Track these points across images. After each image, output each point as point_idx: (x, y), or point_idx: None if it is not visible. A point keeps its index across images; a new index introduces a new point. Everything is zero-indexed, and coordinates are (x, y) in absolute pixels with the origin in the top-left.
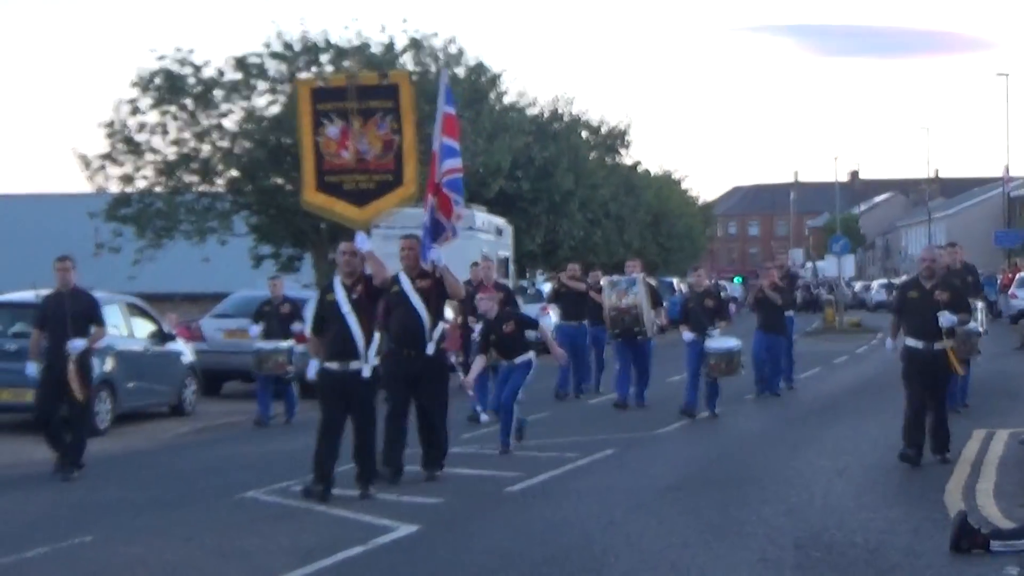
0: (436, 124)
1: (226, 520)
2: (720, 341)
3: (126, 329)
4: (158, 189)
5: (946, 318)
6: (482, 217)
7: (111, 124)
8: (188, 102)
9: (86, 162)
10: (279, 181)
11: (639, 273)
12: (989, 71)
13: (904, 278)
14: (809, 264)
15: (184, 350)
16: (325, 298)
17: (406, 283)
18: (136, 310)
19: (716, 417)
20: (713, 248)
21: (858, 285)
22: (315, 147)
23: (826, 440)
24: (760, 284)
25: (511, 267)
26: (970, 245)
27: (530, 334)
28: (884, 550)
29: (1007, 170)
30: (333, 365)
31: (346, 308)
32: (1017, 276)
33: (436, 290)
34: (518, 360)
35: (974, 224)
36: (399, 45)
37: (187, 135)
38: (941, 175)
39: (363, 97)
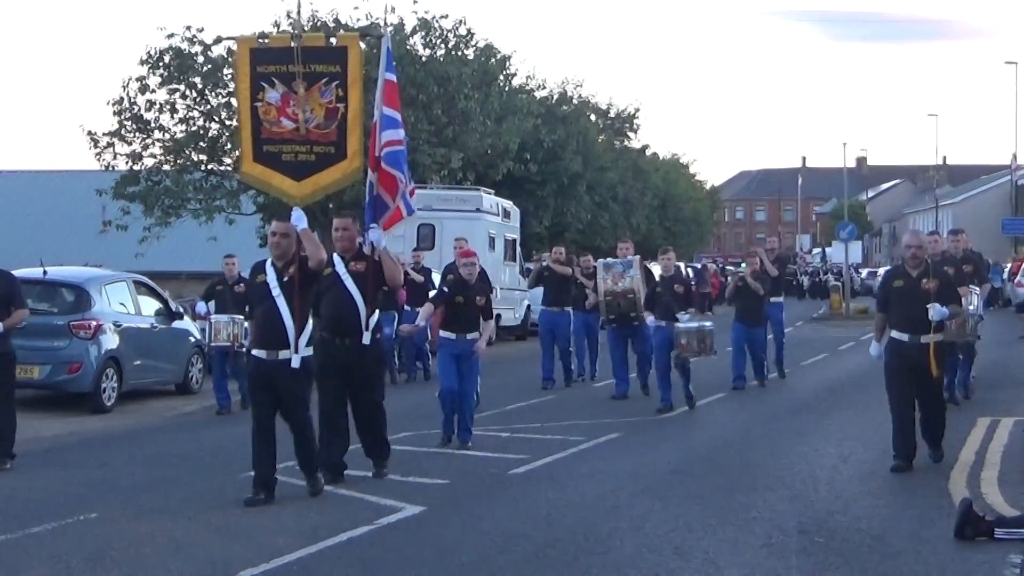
0: (377, 92)
1: (231, 499)
2: (691, 319)
3: (132, 307)
4: (166, 167)
5: (937, 310)
6: (489, 199)
7: (120, 102)
8: (197, 81)
9: (94, 139)
10: None
11: (634, 256)
12: (997, 59)
13: (887, 266)
14: (817, 250)
15: (191, 328)
16: (255, 279)
17: (340, 266)
18: (143, 288)
19: (693, 410)
20: (720, 233)
21: (865, 272)
22: (253, 113)
23: (831, 426)
24: (741, 273)
25: (519, 249)
26: (977, 233)
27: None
28: (888, 536)
29: (1015, 158)
30: (260, 353)
31: (277, 291)
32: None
33: (373, 274)
34: (470, 336)
35: (982, 212)
36: (408, 26)
37: (196, 114)
38: (949, 162)
39: (308, 60)
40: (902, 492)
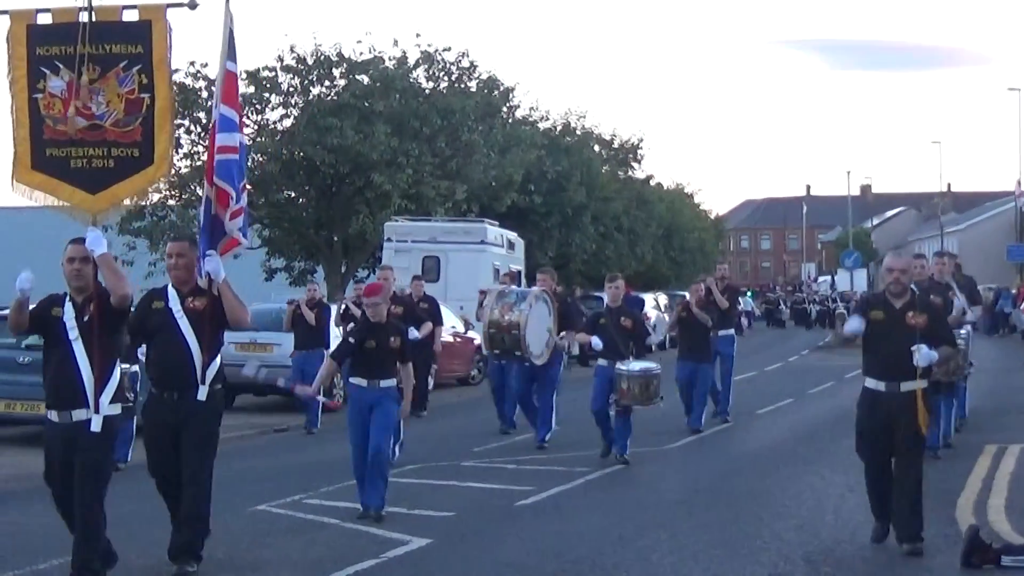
0: (216, 89)
1: (237, 533)
2: (634, 362)
3: None
4: (171, 202)
5: (924, 354)
6: (494, 231)
7: None
8: (201, 116)
9: None
10: (291, 195)
11: (541, 288)
12: (1001, 86)
13: (864, 293)
14: (825, 278)
15: None
16: (50, 314)
17: (175, 302)
18: None
19: (627, 464)
20: (725, 262)
21: None
22: (32, 108)
23: (837, 454)
24: (685, 302)
25: (523, 280)
26: (983, 259)
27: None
28: (895, 566)
29: (1019, 184)
30: (52, 415)
31: (74, 334)
32: None
33: (212, 313)
34: (384, 384)
35: (987, 238)
36: (412, 59)
37: (200, 149)
38: (953, 189)
39: (101, 38)
40: None
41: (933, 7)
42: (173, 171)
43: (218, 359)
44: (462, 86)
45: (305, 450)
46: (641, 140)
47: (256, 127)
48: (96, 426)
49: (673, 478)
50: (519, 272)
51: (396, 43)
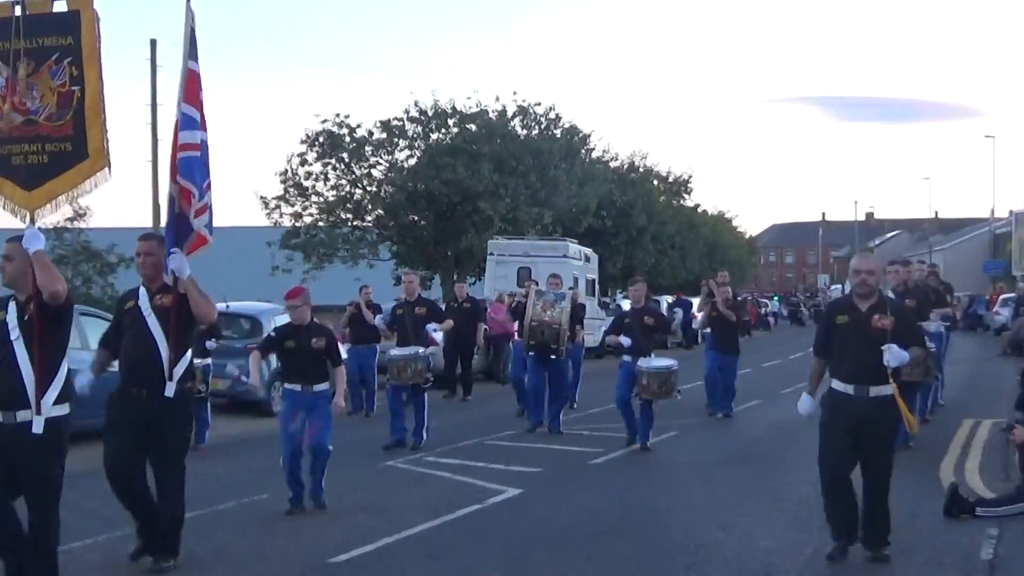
0: (179, 88)
1: (371, 483)
2: (654, 360)
3: None
4: (321, 224)
5: (894, 354)
6: (574, 247)
7: (285, 173)
8: (344, 155)
9: (265, 203)
10: (415, 218)
11: (566, 290)
12: (979, 133)
13: (832, 293)
14: (837, 286)
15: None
16: None
17: (144, 300)
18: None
19: (649, 450)
20: (756, 274)
21: None
22: None
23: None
24: (714, 301)
25: (596, 287)
26: (965, 272)
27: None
28: (891, 512)
29: (993, 212)
30: None
31: (16, 333)
32: (1000, 297)
33: (179, 310)
34: (317, 388)
35: (967, 256)
36: (510, 111)
37: (344, 182)
38: (941, 215)
39: (34, 32)
40: (902, 479)
41: (925, 70)
42: (322, 199)
43: (187, 356)
44: (549, 133)
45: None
46: (691, 176)
47: (387, 165)
48: (38, 427)
49: (713, 444)
50: (593, 280)
51: (497, 99)
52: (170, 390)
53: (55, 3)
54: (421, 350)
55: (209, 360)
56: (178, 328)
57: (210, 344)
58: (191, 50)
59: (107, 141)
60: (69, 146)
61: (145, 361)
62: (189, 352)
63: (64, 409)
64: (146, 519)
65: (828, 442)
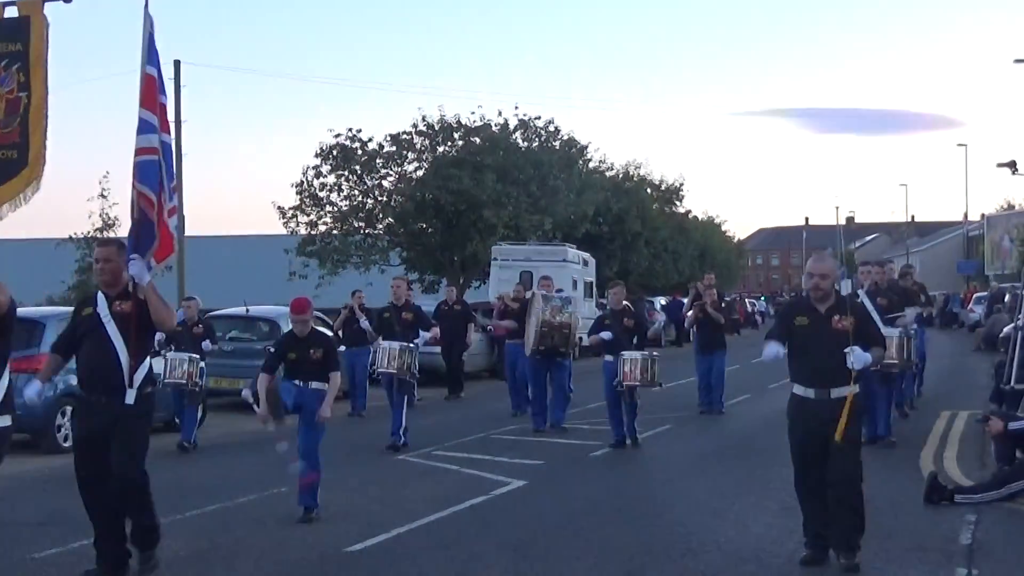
0: (138, 93)
1: (385, 476)
2: (635, 352)
3: None
4: (335, 232)
5: (858, 355)
6: (573, 252)
7: (301, 184)
8: (357, 168)
9: (282, 212)
10: (423, 226)
11: (569, 294)
12: (952, 142)
13: (789, 299)
14: None
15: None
16: None
17: (103, 306)
18: (317, 320)
19: (639, 446)
20: (745, 275)
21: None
22: None
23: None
24: (702, 303)
25: (594, 289)
26: (940, 273)
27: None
28: (874, 499)
29: (966, 216)
30: None
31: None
32: (974, 295)
33: (139, 316)
34: (315, 386)
35: (942, 257)
36: (512, 125)
37: (356, 192)
38: (917, 219)
39: None
40: (884, 469)
41: (897, 82)
42: (336, 209)
43: (147, 362)
44: (549, 144)
45: (434, 414)
46: (682, 184)
47: (397, 176)
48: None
49: (707, 437)
50: (591, 283)
51: (500, 113)
52: (130, 397)
53: (6, 9)
54: (411, 345)
55: (203, 364)
56: (138, 335)
57: (206, 345)
58: (149, 55)
59: (45, 148)
60: (15, 153)
61: (105, 368)
62: (148, 358)
63: (5, 420)
64: (110, 533)
65: (795, 450)
